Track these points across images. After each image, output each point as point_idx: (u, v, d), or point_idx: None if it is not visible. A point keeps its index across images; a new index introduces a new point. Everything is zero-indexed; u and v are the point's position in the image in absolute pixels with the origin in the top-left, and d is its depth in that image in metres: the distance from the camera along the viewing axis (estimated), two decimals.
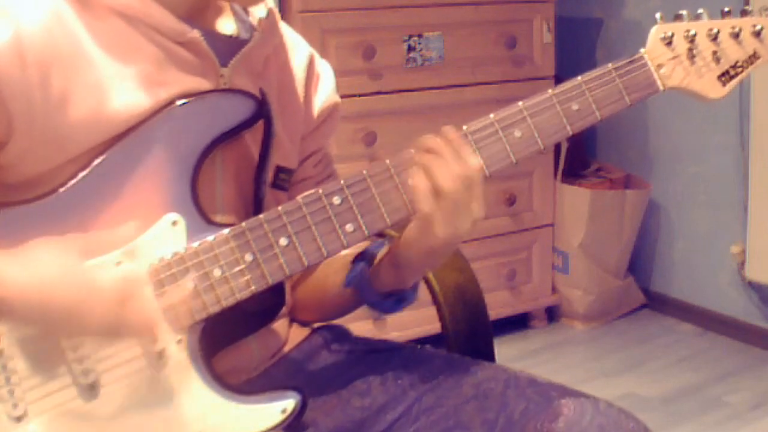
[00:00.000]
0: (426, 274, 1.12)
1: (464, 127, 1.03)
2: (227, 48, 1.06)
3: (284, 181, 1.12)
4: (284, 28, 1.17)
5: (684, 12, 1.07)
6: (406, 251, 1.06)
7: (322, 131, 1.21)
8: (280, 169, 1.11)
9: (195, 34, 1.02)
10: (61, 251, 0.95)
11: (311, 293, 1.20)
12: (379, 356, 1.18)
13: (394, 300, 1.11)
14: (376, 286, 1.11)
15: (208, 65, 1.04)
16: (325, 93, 1.20)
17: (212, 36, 1.05)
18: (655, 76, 1.06)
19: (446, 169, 1.00)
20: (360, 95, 2.54)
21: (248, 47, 1.07)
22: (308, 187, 1.12)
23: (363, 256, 1.12)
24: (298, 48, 1.18)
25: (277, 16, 1.14)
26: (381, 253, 1.11)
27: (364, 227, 1.01)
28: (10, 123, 0.95)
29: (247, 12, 1.13)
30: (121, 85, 0.98)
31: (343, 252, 1.05)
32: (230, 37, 1.10)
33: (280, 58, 1.15)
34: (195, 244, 0.99)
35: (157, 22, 1.00)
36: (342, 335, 1.23)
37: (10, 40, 0.93)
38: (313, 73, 1.19)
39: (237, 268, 0.99)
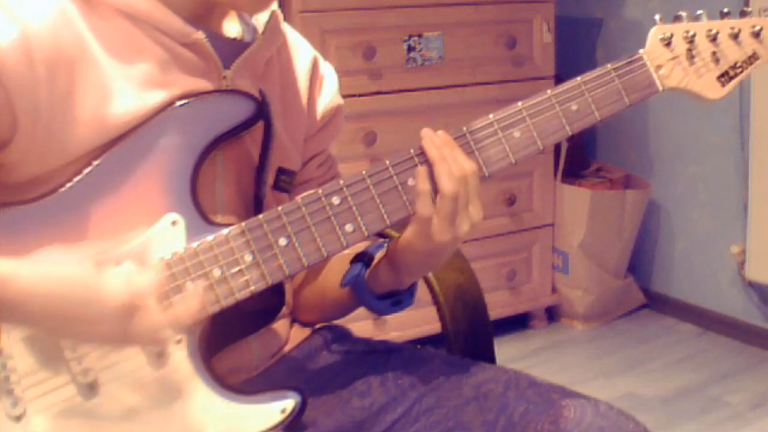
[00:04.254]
0: (424, 275, 1.12)
1: (464, 128, 1.03)
2: (230, 50, 1.06)
3: (285, 182, 1.12)
4: (288, 30, 1.17)
5: (683, 13, 1.07)
6: (405, 253, 1.06)
7: (326, 133, 1.21)
8: (281, 171, 1.11)
9: (200, 35, 1.02)
10: (68, 255, 0.95)
11: (312, 294, 1.20)
12: (379, 357, 1.18)
13: (391, 302, 1.12)
14: (374, 288, 1.11)
15: (212, 67, 1.04)
16: (329, 95, 1.20)
17: (216, 38, 1.05)
18: (654, 76, 1.06)
19: (446, 171, 1.00)
20: (360, 95, 2.54)
21: (251, 50, 1.07)
22: (312, 188, 1.12)
23: (362, 257, 1.12)
24: (301, 50, 1.18)
25: (281, 18, 1.14)
26: (380, 254, 1.11)
27: (363, 227, 1.01)
28: (15, 121, 0.95)
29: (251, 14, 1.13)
30: (124, 86, 0.98)
31: (346, 251, 1.05)
32: (234, 39, 1.10)
33: (283, 60, 1.15)
34: (195, 244, 0.99)
35: (162, 23, 1.00)
36: (342, 336, 1.23)
37: (18, 39, 0.93)
38: (317, 76, 1.19)
39: (236, 268, 0.99)
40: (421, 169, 1.01)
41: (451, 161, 1.01)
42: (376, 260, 1.11)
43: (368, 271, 1.11)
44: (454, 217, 1.01)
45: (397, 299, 1.12)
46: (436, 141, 1.02)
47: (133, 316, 0.92)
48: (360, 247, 1.12)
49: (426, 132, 1.03)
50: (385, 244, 1.10)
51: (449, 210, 1.00)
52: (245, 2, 1.04)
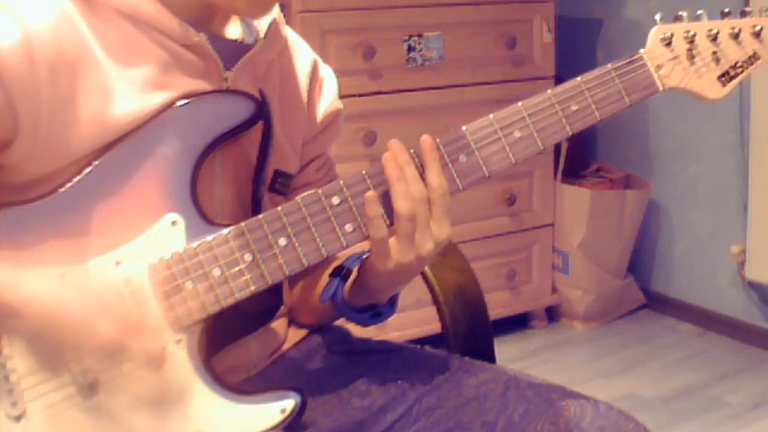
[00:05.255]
0: (397, 291, 1.11)
1: (464, 128, 1.03)
2: (231, 52, 1.06)
3: (283, 185, 1.12)
4: (288, 32, 1.17)
5: (684, 13, 1.07)
6: (369, 273, 1.06)
7: (325, 137, 1.21)
8: (278, 174, 1.11)
9: (201, 37, 1.02)
10: (71, 261, 0.96)
11: (307, 300, 1.20)
12: (379, 357, 1.18)
13: (370, 315, 1.12)
14: (353, 301, 1.11)
15: (213, 68, 1.04)
16: (329, 98, 1.20)
17: (218, 40, 1.05)
18: (655, 76, 1.05)
19: (402, 192, 0.99)
20: (360, 95, 2.54)
21: (252, 52, 1.07)
22: None
23: (339, 271, 1.11)
24: (301, 53, 1.18)
25: (282, 22, 1.14)
26: (356, 268, 1.10)
27: (363, 227, 1.01)
28: (17, 122, 0.95)
29: None
30: (125, 88, 0.98)
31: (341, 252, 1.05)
32: (235, 41, 1.10)
33: (283, 62, 1.15)
34: (194, 244, 0.99)
35: (163, 25, 1.00)
36: (342, 335, 1.23)
37: (20, 40, 0.93)
38: (317, 79, 1.19)
39: (236, 268, 0.99)
40: (370, 193, 1.00)
41: (410, 180, 1.00)
42: (353, 273, 1.10)
43: (347, 284, 1.10)
44: (412, 237, 1.00)
45: (376, 311, 1.12)
46: (399, 159, 1.01)
47: (133, 331, 0.93)
48: (340, 259, 1.11)
49: (392, 146, 1.01)
50: (361, 257, 1.09)
51: (406, 230, 1.00)
52: (245, 7, 1.04)
